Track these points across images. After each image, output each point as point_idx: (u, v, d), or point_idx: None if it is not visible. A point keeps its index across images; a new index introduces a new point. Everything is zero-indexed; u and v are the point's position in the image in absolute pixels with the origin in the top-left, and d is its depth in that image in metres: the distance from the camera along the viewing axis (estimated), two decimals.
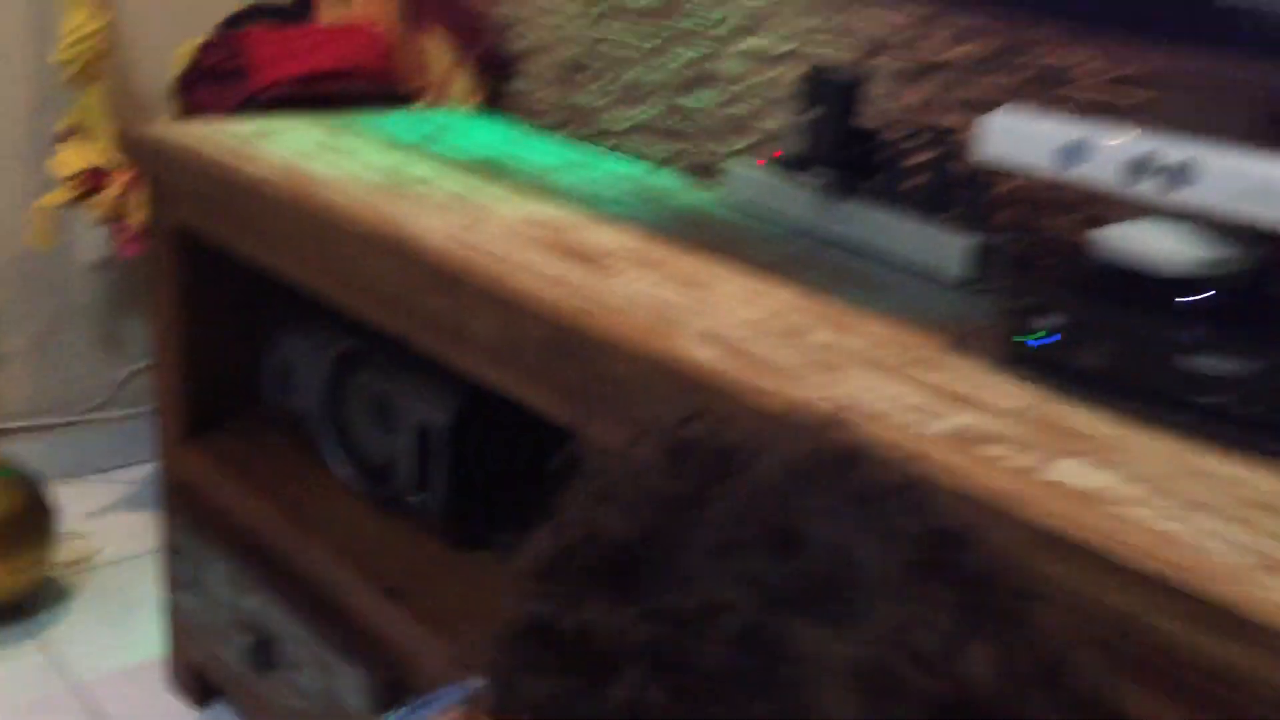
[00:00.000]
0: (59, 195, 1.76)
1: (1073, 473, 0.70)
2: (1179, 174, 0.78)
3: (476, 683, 0.39)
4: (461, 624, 1.13)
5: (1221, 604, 0.58)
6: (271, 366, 1.41)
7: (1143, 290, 0.81)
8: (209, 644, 1.42)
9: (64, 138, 1.76)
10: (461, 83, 1.60)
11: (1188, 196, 0.78)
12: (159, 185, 1.35)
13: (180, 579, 1.45)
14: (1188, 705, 0.61)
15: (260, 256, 1.24)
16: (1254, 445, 0.74)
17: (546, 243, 1.05)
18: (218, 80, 1.63)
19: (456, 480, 1.20)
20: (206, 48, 1.68)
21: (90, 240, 1.93)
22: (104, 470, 2.04)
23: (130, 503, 2.01)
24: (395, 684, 1.15)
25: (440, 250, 1.01)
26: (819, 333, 0.90)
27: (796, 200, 1.15)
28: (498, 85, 1.63)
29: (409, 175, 1.24)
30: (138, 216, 1.71)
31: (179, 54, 1.71)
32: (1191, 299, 0.80)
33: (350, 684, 1.19)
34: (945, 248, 1.03)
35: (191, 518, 1.41)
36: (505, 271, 0.97)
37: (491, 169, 1.29)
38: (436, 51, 1.62)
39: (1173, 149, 0.78)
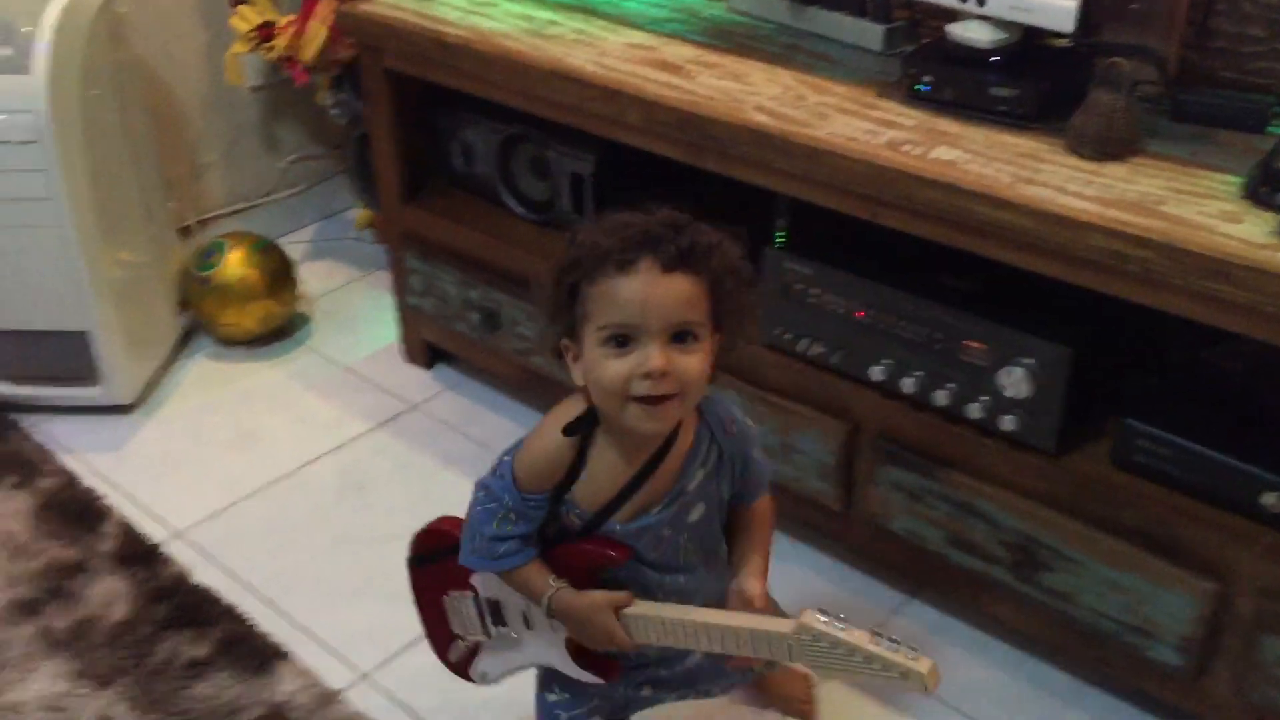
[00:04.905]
0: (242, 45, 2.49)
1: (943, 153, 1.57)
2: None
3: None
4: None
5: (1007, 199, 1.47)
6: (455, 149, 2.22)
7: (970, 56, 1.65)
8: (442, 326, 2.30)
9: (238, 1, 2.47)
10: None
11: (988, 9, 1.61)
12: (371, 44, 2.11)
13: (415, 288, 2.31)
14: (990, 241, 1.50)
15: (455, 84, 2.02)
16: (1022, 126, 1.61)
17: (648, 61, 1.86)
18: None
19: (599, 205, 2.05)
20: None
21: (251, 70, 2.66)
22: (280, 236, 2.85)
23: (308, 255, 2.84)
24: None
25: (597, 75, 1.81)
26: (812, 96, 1.74)
27: (778, 7, 1.96)
28: None
29: (542, 20, 2.01)
30: (305, 55, 2.45)
31: None
32: (993, 58, 1.64)
33: None
34: (871, 33, 1.85)
35: (418, 250, 2.26)
36: (638, 84, 1.78)
37: (586, 10, 2.06)
38: None
39: None
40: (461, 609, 1.41)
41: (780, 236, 1.82)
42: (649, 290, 1.14)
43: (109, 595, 1.86)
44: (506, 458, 1.28)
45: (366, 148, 2.48)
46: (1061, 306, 1.57)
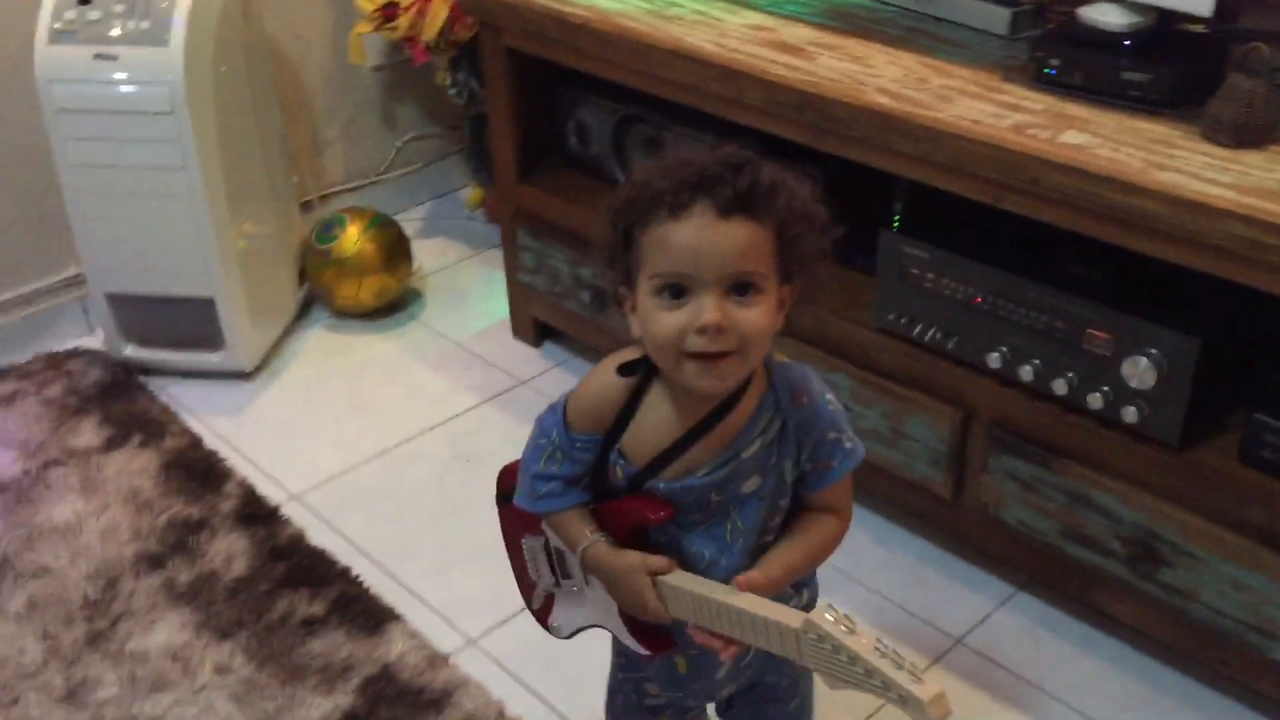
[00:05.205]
0: (366, 25, 2.54)
1: (1072, 138, 1.54)
2: None
3: None
4: None
5: (1139, 184, 1.44)
6: (570, 128, 2.24)
7: (1101, 39, 1.62)
8: (552, 303, 2.33)
9: None
10: None
11: None
12: (492, 22, 2.14)
13: (526, 265, 2.34)
14: (1118, 227, 1.47)
15: (574, 64, 2.04)
16: (1155, 112, 1.58)
17: (767, 42, 1.86)
18: None
19: None
20: None
21: (373, 50, 2.71)
22: (395, 213, 2.90)
23: (421, 232, 2.89)
24: None
25: (717, 55, 1.82)
26: (934, 79, 1.72)
27: None
28: None
29: (661, 0, 2.02)
30: (426, 34, 2.49)
31: None
32: (1125, 42, 1.61)
33: None
34: (997, 16, 1.83)
35: (530, 228, 2.29)
36: (759, 65, 1.78)
37: None
38: None
39: None
40: (535, 554, 1.35)
41: (897, 219, 1.81)
42: (703, 237, 1.04)
43: (230, 552, 1.92)
44: (564, 395, 1.21)
45: (482, 127, 2.52)
46: (1189, 296, 1.54)
